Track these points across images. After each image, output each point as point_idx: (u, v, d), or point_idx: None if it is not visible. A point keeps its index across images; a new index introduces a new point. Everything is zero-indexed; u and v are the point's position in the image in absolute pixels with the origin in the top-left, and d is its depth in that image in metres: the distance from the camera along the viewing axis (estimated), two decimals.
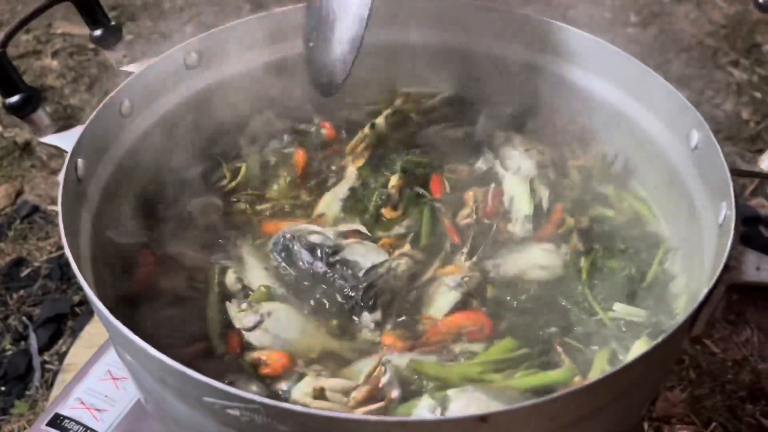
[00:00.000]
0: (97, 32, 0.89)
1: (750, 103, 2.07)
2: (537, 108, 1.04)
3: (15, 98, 0.76)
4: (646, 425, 1.21)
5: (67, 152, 0.76)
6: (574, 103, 1.02)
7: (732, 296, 1.76)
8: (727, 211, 0.70)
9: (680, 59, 2.20)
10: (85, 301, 1.41)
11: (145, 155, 0.92)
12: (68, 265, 1.53)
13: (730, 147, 1.89)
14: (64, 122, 1.96)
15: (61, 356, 1.32)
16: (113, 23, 0.91)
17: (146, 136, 0.91)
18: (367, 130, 1.03)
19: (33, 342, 1.35)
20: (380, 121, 1.05)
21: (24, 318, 1.40)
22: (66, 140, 0.78)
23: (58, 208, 0.70)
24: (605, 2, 2.39)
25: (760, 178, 0.76)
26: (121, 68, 0.92)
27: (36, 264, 1.53)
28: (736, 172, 0.74)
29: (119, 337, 0.62)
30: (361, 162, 0.99)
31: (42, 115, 0.80)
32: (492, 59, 1.05)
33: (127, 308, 0.80)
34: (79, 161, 0.77)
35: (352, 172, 0.97)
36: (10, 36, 0.74)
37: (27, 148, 1.88)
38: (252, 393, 0.56)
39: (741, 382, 1.32)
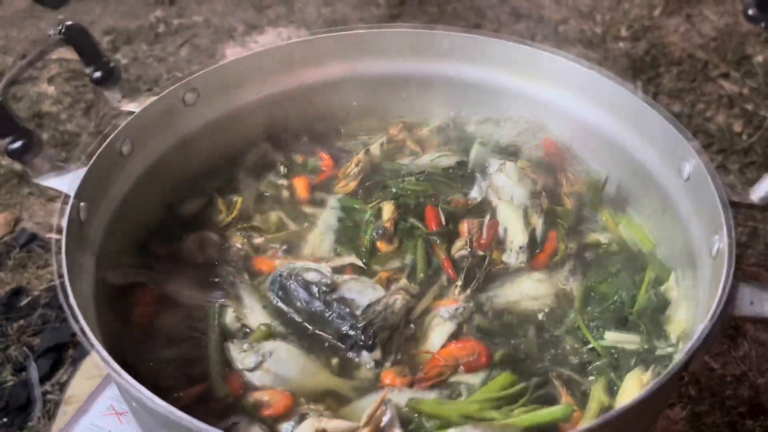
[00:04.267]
0: (97, 74, 0.90)
1: (742, 116, 2.08)
2: (530, 136, 1.05)
3: (17, 144, 0.77)
4: None
5: (69, 196, 0.77)
6: (568, 131, 1.03)
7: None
8: (719, 243, 0.71)
9: (671, 73, 2.21)
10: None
11: (145, 194, 0.93)
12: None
13: (721, 160, 1.90)
14: (61, 149, 1.97)
15: (63, 386, 1.32)
16: (112, 65, 0.92)
17: (145, 175, 0.92)
18: (361, 155, 1.04)
19: (34, 372, 1.34)
20: (374, 147, 1.07)
21: (24, 348, 1.39)
22: (65, 183, 0.79)
23: (62, 255, 0.71)
24: (596, 17, 2.41)
25: (751, 209, 0.77)
26: (120, 108, 0.93)
27: (35, 293, 1.53)
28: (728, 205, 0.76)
29: (122, 384, 0.63)
30: (352, 186, 1.00)
31: (43, 159, 0.81)
32: (485, 88, 1.06)
33: (127, 349, 0.81)
34: (81, 205, 0.78)
35: (334, 201, 0.97)
36: (9, 85, 0.75)
37: (25, 175, 1.89)
38: None
39: (740, 398, 1.33)
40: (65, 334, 1.39)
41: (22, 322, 1.43)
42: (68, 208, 0.75)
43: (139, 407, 0.65)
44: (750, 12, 2.29)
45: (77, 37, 0.86)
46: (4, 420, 1.27)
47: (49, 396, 1.30)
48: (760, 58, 2.27)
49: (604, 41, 2.30)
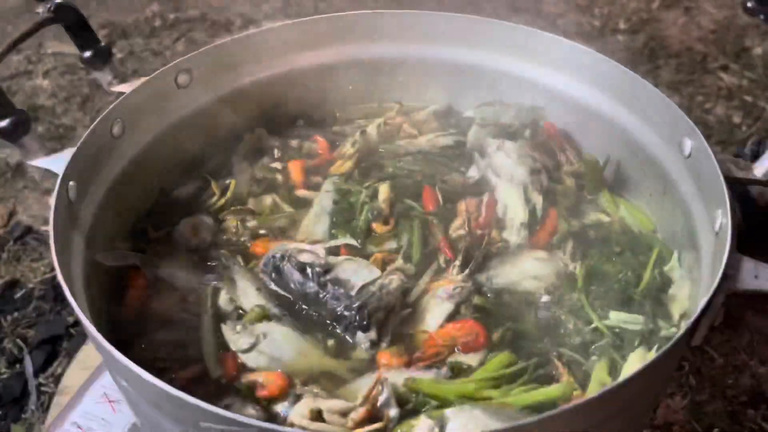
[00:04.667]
0: (87, 53, 0.89)
1: (740, 107, 2.08)
2: (529, 118, 1.04)
3: (5, 122, 0.75)
4: None
5: (58, 174, 0.75)
6: (567, 112, 1.02)
7: (731, 301, 1.77)
8: (722, 219, 0.70)
9: (670, 65, 2.21)
10: (80, 322, 1.40)
11: (137, 175, 0.91)
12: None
13: (721, 152, 1.90)
14: (56, 142, 1.96)
15: (57, 378, 1.31)
16: (102, 44, 0.90)
17: (138, 157, 0.91)
18: (357, 136, 1.03)
19: (28, 365, 1.34)
20: (371, 129, 1.05)
21: (18, 341, 1.39)
22: (57, 163, 0.78)
23: (50, 231, 0.69)
24: (594, 11, 2.40)
25: (755, 185, 0.76)
26: (111, 89, 0.91)
27: (30, 285, 1.52)
28: (730, 180, 0.74)
29: (114, 363, 0.61)
30: (348, 166, 0.99)
31: (32, 139, 0.79)
32: (483, 71, 1.05)
33: (121, 332, 0.79)
34: (71, 184, 0.76)
35: (329, 183, 0.96)
36: None
37: (19, 168, 1.87)
38: (249, 416, 0.55)
39: (741, 387, 1.32)
40: (60, 326, 1.39)
41: (16, 314, 1.42)
42: (56, 186, 0.73)
43: (131, 388, 0.64)
44: (749, 4, 2.29)
45: (67, 15, 0.85)
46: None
47: (43, 388, 1.30)
48: (758, 50, 2.26)
49: (603, 34, 2.29)
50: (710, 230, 0.74)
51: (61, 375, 1.30)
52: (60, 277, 0.64)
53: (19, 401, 1.28)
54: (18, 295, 1.49)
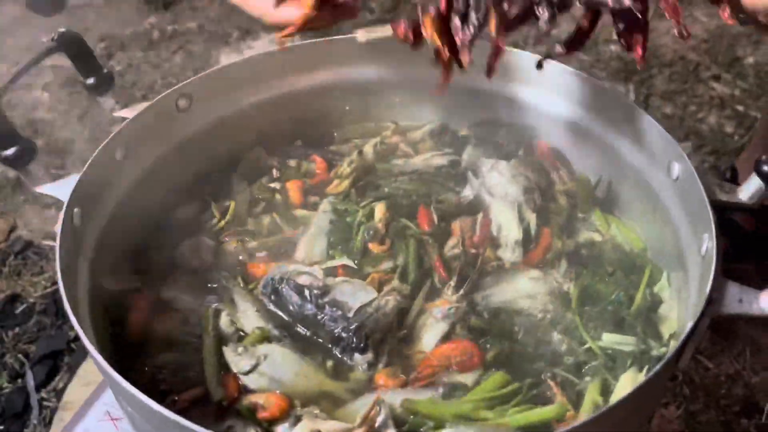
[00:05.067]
0: (90, 80, 0.91)
1: (733, 117, 2.10)
2: (522, 138, 1.06)
3: (11, 151, 0.77)
4: None
5: (63, 202, 0.77)
6: (559, 132, 1.04)
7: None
8: (708, 243, 0.72)
9: (663, 74, 2.23)
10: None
11: (139, 199, 0.93)
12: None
13: (714, 161, 1.92)
14: (56, 156, 1.97)
15: (59, 393, 1.32)
16: (105, 71, 0.93)
17: (140, 181, 0.93)
18: (354, 156, 1.05)
19: (30, 380, 1.35)
20: (368, 149, 1.08)
21: (20, 356, 1.39)
22: (62, 189, 0.79)
23: (56, 259, 0.71)
24: None
25: (739, 209, 0.78)
26: (114, 114, 0.93)
27: (31, 300, 1.53)
28: (716, 204, 0.77)
29: (117, 386, 0.63)
30: (345, 186, 1.01)
31: (37, 166, 0.81)
32: (477, 91, 1.07)
33: (124, 353, 0.81)
34: (75, 210, 0.78)
35: (326, 204, 0.98)
36: (3, 93, 0.76)
37: (19, 182, 1.89)
38: None
39: (735, 397, 1.34)
40: (61, 341, 1.40)
41: (17, 329, 1.43)
42: (62, 213, 0.75)
43: (135, 412, 0.66)
44: (740, 14, 2.32)
45: (71, 44, 0.87)
46: (1, 427, 1.27)
47: (45, 403, 1.31)
48: (750, 60, 2.29)
49: (596, 44, 2.32)
50: (697, 252, 0.77)
51: (62, 390, 1.31)
52: (66, 306, 0.66)
53: (21, 416, 1.29)
54: (19, 309, 1.50)
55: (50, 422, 1.27)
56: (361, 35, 0.64)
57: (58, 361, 1.37)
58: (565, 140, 1.03)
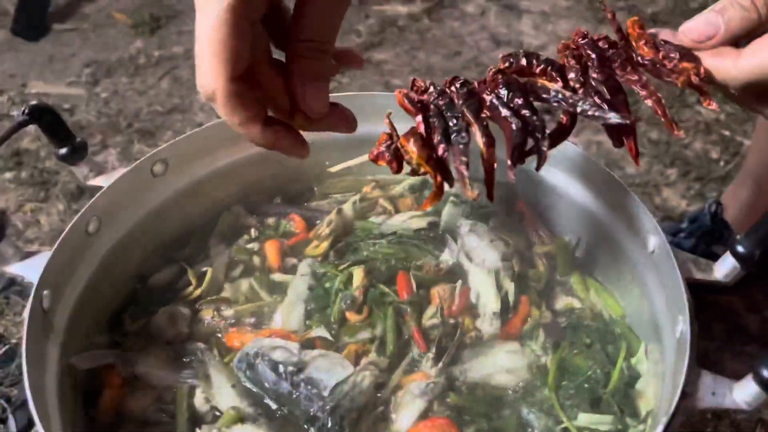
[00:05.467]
0: (63, 150, 0.90)
1: (719, 142, 2.10)
2: (503, 195, 1.05)
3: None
4: None
5: (33, 284, 0.76)
6: (538, 193, 1.04)
7: (708, 346, 1.79)
8: (683, 325, 0.72)
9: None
10: None
11: (114, 268, 0.92)
12: None
13: (699, 188, 1.92)
14: (40, 187, 1.95)
15: None
16: (78, 140, 0.91)
17: (113, 251, 0.91)
18: (333, 215, 1.04)
19: (12, 426, 1.34)
20: (347, 207, 1.07)
21: (1, 400, 1.39)
22: (30, 270, 0.78)
23: (23, 346, 0.70)
24: None
25: (714, 290, 0.78)
26: (87, 182, 0.92)
27: (13, 341, 1.52)
28: (690, 282, 0.76)
29: None
30: (323, 248, 1.00)
31: (6, 246, 0.80)
32: None
33: None
34: (45, 293, 0.77)
35: (304, 266, 0.97)
36: None
37: (2, 217, 1.87)
38: None
39: None
40: None
41: None
42: (30, 298, 0.74)
43: None
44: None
45: (43, 116, 0.86)
46: None
47: None
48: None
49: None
50: (672, 331, 0.76)
51: None
52: (30, 403, 0.65)
53: None
54: (1, 351, 1.49)
55: None
56: (336, 168, 0.64)
57: None
58: (545, 200, 1.02)
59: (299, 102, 0.66)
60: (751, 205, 1.58)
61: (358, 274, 0.94)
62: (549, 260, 0.98)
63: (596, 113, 0.61)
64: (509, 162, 0.61)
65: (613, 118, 0.60)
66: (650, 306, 0.85)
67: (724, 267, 0.78)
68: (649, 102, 0.63)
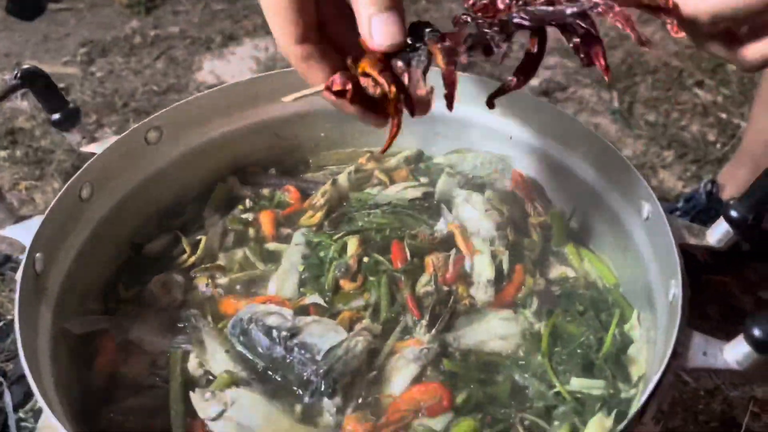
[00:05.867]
0: (56, 116, 0.89)
1: (716, 124, 2.10)
2: (497, 168, 1.05)
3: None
4: None
5: (25, 246, 0.76)
6: (533, 164, 1.04)
7: (704, 326, 1.80)
8: (675, 289, 0.72)
9: (646, 82, 2.23)
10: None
11: (107, 236, 0.92)
12: None
13: (696, 170, 1.92)
14: (35, 166, 1.95)
15: (37, 413, 1.32)
16: (71, 106, 0.91)
17: (107, 218, 0.91)
18: (328, 186, 1.04)
19: (8, 400, 1.34)
20: (342, 177, 1.07)
21: None
22: (23, 233, 0.78)
23: (15, 308, 0.70)
24: None
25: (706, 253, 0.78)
26: (80, 149, 0.92)
27: (9, 317, 1.51)
28: (684, 247, 0.76)
29: None
30: (317, 218, 1.00)
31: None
32: (453, 120, 1.06)
33: (91, 399, 0.80)
34: (38, 256, 0.77)
35: (298, 236, 0.97)
36: None
37: None
38: None
39: (713, 412, 1.35)
40: None
41: None
42: (23, 260, 0.74)
43: None
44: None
45: (34, 80, 0.85)
46: None
47: (23, 423, 1.30)
48: (733, 66, 2.29)
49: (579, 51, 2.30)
50: (665, 295, 0.76)
51: (40, 411, 1.30)
52: (24, 363, 0.65)
53: None
54: None
55: None
56: (288, 97, 0.62)
57: None
58: (540, 170, 1.02)
59: (367, 42, 0.61)
60: (748, 183, 1.58)
61: (353, 243, 0.94)
62: (544, 230, 0.98)
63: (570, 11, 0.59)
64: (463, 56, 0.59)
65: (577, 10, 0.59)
66: (644, 273, 0.85)
67: (717, 232, 0.78)
68: (617, 23, 0.61)
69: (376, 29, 0.59)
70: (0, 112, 2.17)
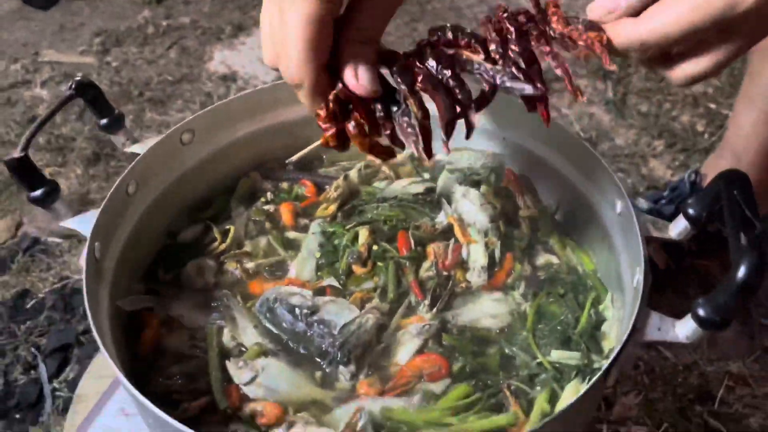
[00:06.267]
0: (104, 121, 1.02)
1: (705, 115, 2.17)
2: (491, 165, 1.17)
3: (38, 192, 0.88)
4: (604, 428, 1.35)
5: (85, 237, 0.89)
6: (523, 163, 1.16)
7: (685, 306, 1.92)
8: (639, 276, 0.85)
9: (640, 73, 2.30)
10: (88, 330, 1.51)
11: (148, 226, 1.05)
12: (71, 295, 1.60)
13: (684, 159, 2.02)
14: (57, 153, 2.04)
15: (70, 384, 1.41)
16: (117, 111, 1.03)
17: (149, 211, 1.04)
18: (340, 181, 1.16)
19: (43, 371, 1.44)
20: (353, 173, 1.19)
21: (32, 348, 1.48)
22: (83, 225, 0.91)
23: (84, 291, 0.83)
24: None
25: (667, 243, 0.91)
26: (125, 149, 1.04)
27: (40, 295, 1.60)
28: (648, 240, 0.89)
29: (140, 404, 0.76)
30: (332, 210, 1.12)
31: (60, 205, 0.92)
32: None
33: (140, 367, 0.94)
34: (96, 244, 0.90)
35: (315, 226, 1.09)
36: (29, 141, 0.86)
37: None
38: None
39: (690, 386, 1.43)
40: (70, 335, 1.50)
41: (29, 323, 1.53)
42: (85, 248, 0.87)
43: (155, 423, 0.78)
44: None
45: (86, 91, 0.98)
46: (17, 416, 1.37)
47: (58, 393, 1.41)
48: None
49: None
50: (631, 281, 0.89)
51: (73, 380, 1.40)
52: (96, 337, 0.78)
53: (35, 406, 1.38)
54: (29, 304, 1.58)
55: (63, 410, 1.35)
56: (293, 158, 0.73)
57: (68, 354, 1.47)
58: (530, 168, 1.15)
59: (351, 85, 0.70)
60: None
61: (364, 233, 1.06)
62: (532, 223, 1.11)
63: (512, 85, 0.69)
64: (444, 137, 0.70)
65: (527, 89, 0.69)
66: (616, 261, 0.98)
67: (678, 227, 0.91)
68: (558, 71, 0.70)
69: (363, 77, 0.69)
70: (21, 101, 2.25)
